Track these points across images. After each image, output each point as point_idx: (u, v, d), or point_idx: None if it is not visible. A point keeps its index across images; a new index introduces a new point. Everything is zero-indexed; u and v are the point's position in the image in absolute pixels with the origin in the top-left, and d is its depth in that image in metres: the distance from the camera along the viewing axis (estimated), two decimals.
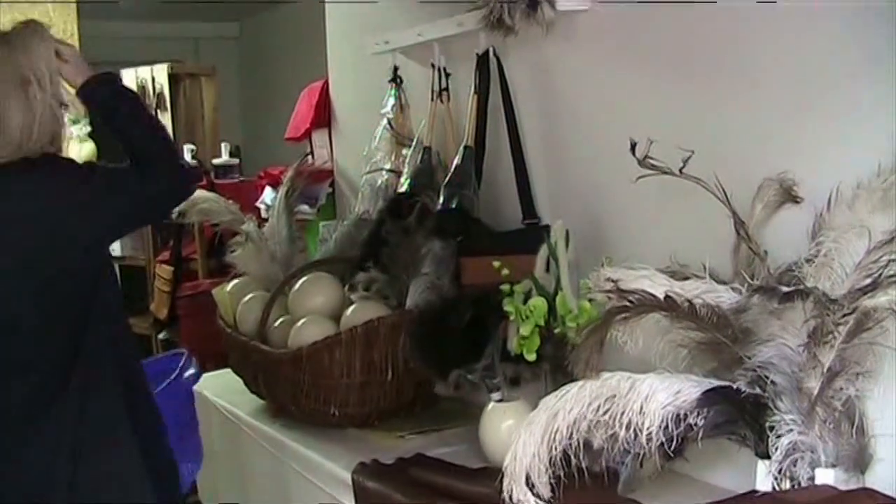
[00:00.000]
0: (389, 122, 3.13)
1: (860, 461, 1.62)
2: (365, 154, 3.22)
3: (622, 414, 1.56)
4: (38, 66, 2.22)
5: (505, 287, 2.22)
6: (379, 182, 3.14)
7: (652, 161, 1.79)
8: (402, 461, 2.35)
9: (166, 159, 2.34)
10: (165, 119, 5.73)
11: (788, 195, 1.84)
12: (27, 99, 2.19)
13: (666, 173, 1.78)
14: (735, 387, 1.63)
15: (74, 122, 5.58)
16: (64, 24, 6.02)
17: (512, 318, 2.18)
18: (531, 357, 2.16)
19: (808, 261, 1.69)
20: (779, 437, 1.60)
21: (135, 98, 2.45)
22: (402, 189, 2.92)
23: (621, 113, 2.31)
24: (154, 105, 5.75)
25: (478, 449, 2.31)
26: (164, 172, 2.31)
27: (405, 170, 2.98)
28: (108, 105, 2.34)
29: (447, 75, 2.86)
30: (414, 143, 2.98)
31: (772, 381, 1.62)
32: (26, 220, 2.18)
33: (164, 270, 5.35)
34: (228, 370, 3.08)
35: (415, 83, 3.08)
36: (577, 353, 1.62)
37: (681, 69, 2.17)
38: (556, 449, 1.58)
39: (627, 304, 1.63)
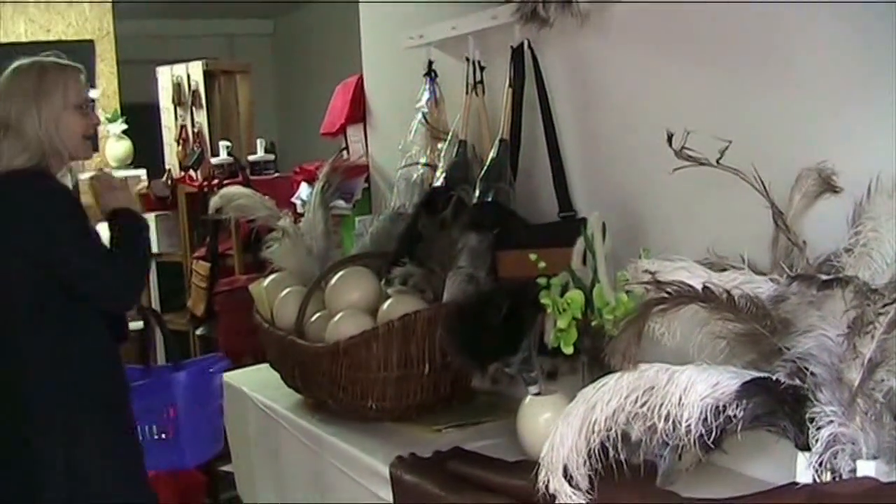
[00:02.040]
0: (424, 117, 3.13)
1: None
2: (400, 148, 3.22)
3: (660, 406, 1.55)
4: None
5: (542, 280, 2.21)
6: (414, 176, 3.15)
7: (689, 152, 1.77)
8: (439, 454, 2.35)
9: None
10: (201, 116, 5.77)
11: (827, 185, 1.82)
12: None
13: (703, 164, 1.77)
14: (774, 378, 1.61)
15: (111, 120, 5.63)
16: (100, 23, 6.08)
17: (549, 311, 2.18)
18: (568, 350, 2.15)
19: (847, 251, 1.68)
20: (819, 428, 1.58)
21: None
22: (438, 183, 2.92)
23: (657, 104, 2.30)
24: (189, 102, 5.78)
25: (515, 442, 2.30)
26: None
27: (440, 164, 2.98)
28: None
29: (482, 69, 2.86)
30: (449, 137, 2.98)
31: (811, 373, 1.60)
32: None
33: (201, 267, 5.38)
34: (266, 365, 3.09)
35: (449, 77, 3.08)
36: (614, 345, 1.61)
37: (717, 59, 2.15)
38: (593, 441, 1.57)
39: (665, 295, 1.61)
